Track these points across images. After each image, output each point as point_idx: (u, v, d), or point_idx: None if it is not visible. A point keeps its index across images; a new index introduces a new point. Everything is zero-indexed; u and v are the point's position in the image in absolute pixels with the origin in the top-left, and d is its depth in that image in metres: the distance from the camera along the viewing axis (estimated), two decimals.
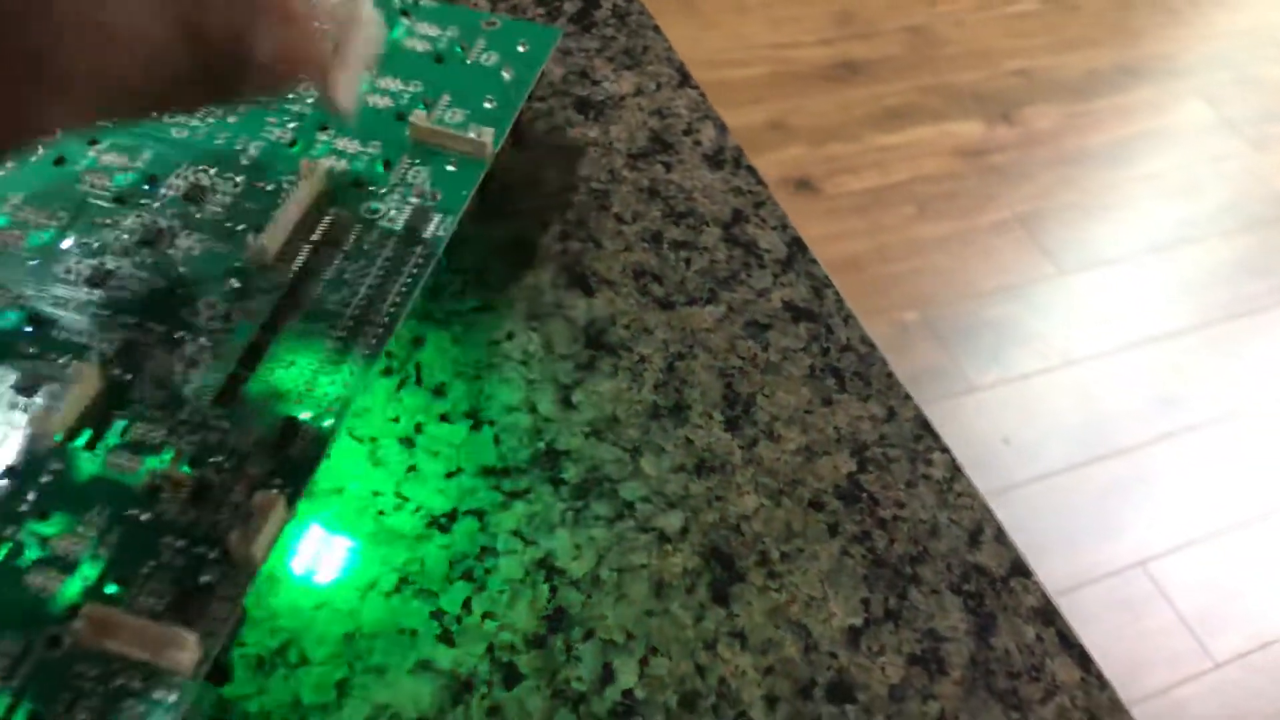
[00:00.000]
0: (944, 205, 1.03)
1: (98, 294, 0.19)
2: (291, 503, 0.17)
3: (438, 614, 0.19)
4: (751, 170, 0.28)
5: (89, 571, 0.16)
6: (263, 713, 0.18)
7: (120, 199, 0.21)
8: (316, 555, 0.20)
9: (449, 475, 0.21)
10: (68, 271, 0.20)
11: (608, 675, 0.19)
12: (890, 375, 0.24)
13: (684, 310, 0.24)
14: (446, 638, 0.19)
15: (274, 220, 0.20)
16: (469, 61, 0.24)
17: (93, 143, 0.22)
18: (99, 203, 0.21)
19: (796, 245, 0.26)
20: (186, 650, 0.15)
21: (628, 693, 0.19)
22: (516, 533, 0.20)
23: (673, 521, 0.21)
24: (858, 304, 0.25)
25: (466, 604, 0.19)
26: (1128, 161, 1.12)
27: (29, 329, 0.19)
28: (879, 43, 1.19)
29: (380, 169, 0.22)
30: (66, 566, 0.16)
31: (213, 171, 0.22)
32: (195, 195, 0.21)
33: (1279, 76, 1.24)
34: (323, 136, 0.23)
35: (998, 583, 0.21)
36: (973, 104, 1.14)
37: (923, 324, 0.93)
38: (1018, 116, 1.14)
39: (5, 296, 0.19)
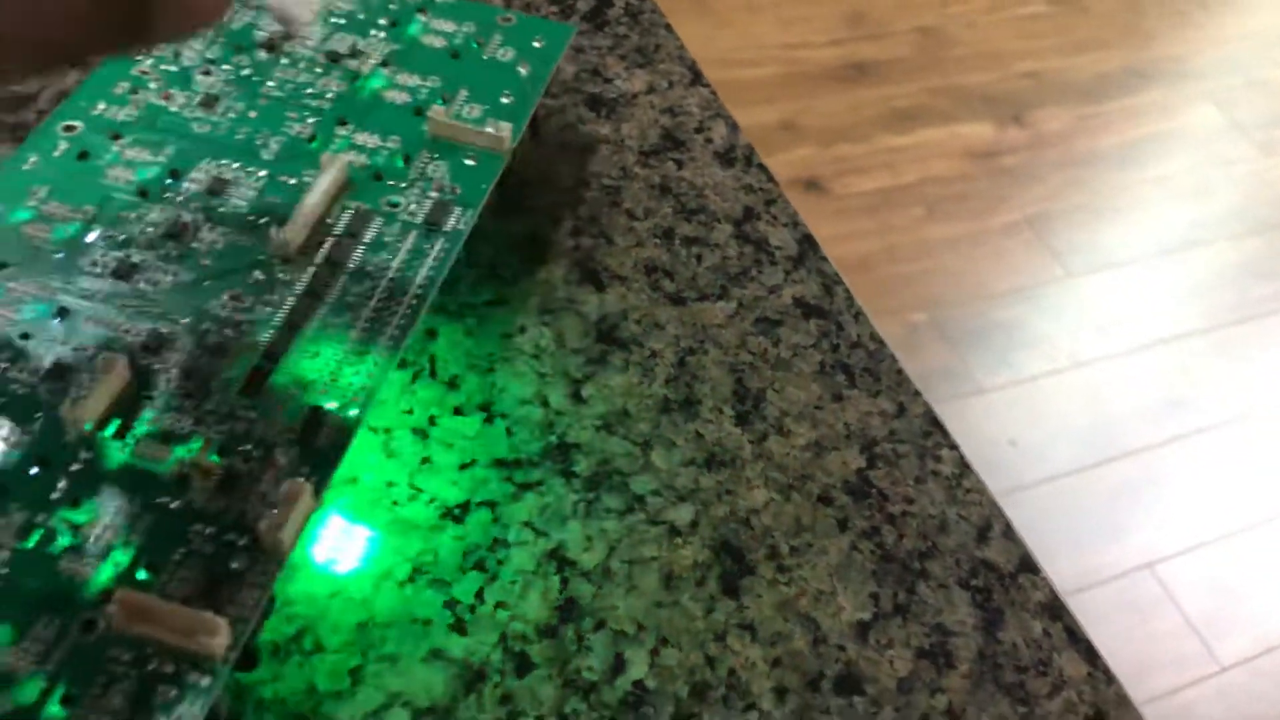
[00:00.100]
0: (953, 207, 1.03)
1: (124, 286, 0.20)
2: (318, 491, 0.17)
3: (451, 603, 0.20)
4: (763, 168, 0.28)
5: (120, 558, 0.16)
6: (278, 699, 0.18)
7: (144, 193, 0.21)
8: (331, 544, 0.20)
9: (462, 467, 0.21)
10: (94, 264, 0.20)
11: (619, 665, 0.19)
12: (900, 372, 0.24)
13: (695, 306, 0.25)
14: (459, 627, 0.19)
15: (296, 213, 0.21)
16: (485, 57, 0.25)
17: (116, 137, 0.22)
18: (123, 196, 0.21)
19: (807, 243, 0.26)
20: (218, 635, 0.15)
21: (638, 683, 0.19)
22: (528, 524, 0.21)
23: (683, 515, 0.21)
24: (867, 304, 0.26)
25: (479, 594, 0.20)
26: (1137, 164, 1.12)
27: (57, 321, 0.19)
28: (889, 44, 1.19)
29: (400, 163, 0.22)
30: (98, 553, 0.16)
31: (234, 166, 0.22)
32: (218, 189, 0.21)
33: None
34: (342, 131, 0.23)
35: (1006, 578, 0.21)
36: (982, 106, 1.14)
37: (931, 325, 0.93)
38: (1028, 118, 1.14)
39: (33, 289, 0.20)
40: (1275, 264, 1.04)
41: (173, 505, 0.17)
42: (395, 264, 0.21)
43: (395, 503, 0.21)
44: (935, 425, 0.23)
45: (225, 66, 0.24)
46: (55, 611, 0.16)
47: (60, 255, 0.20)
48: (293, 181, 0.22)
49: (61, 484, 0.17)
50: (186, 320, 0.19)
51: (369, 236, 0.21)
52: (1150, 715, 0.72)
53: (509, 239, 0.25)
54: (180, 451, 0.18)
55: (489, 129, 0.23)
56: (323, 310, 0.20)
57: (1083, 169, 1.10)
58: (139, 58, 0.24)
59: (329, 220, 0.21)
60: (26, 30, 0.14)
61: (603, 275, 0.25)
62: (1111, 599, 0.79)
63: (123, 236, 0.21)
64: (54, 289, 0.20)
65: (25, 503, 0.17)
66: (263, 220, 0.21)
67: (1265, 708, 0.76)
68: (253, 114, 0.23)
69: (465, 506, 0.21)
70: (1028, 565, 0.22)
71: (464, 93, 0.24)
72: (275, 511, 0.17)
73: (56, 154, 0.22)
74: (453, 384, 0.22)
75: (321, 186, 0.21)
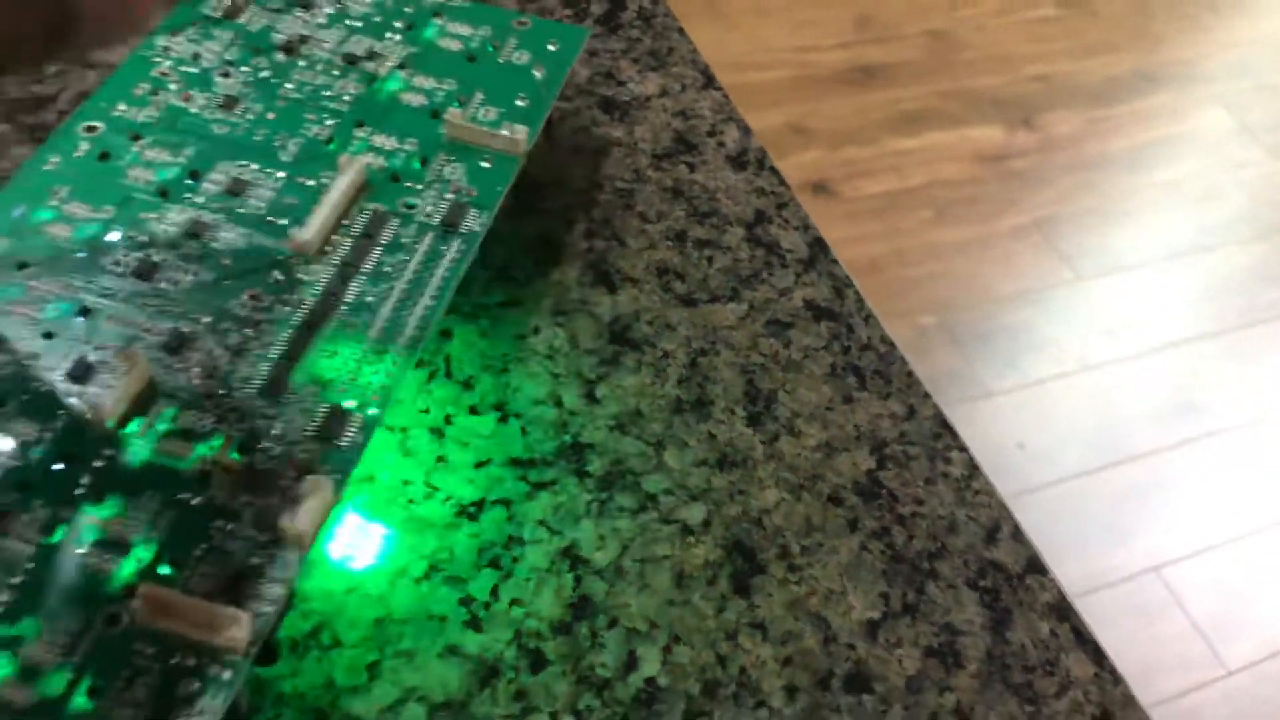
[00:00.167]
0: (962, 210, 1.03)
1: (145, 285, 0.20)
2: (338, 488, 0.17)
3: (466, 600, 0.20)
4: (774, 172, 0.28)
5: (143, 553, 0.17)
6: (296, 693, 0.18)
7: (164, 193, 0.22)
8: (348, 541, 0.20)
9: (477, 466, 0.22)
10: (115, 264, 0.20)
11: (631, 662, 0.20)
12: (910, 374, 0.24)
13: (706, 308, 0.25)
14: (474, 623, 0.20)
15: (314, 214, 0.21)
16: (501, 60, 0.25)
17: (136, 138, 0.23)
18: (143, 197, 0.22)
19: (818, 246, 0.27)
20: (240, 629, 0.16)
21: (650, 680, 0.19)
22: (543, 522, 0.21)
23: (695, 514, 0.22)
24: (875, 307, 0.26)
25: (494, 591, 0.20)
26: (1146, 168, 1.12)
27: (79, 319, 0.19)
28: (898, 47, 1.19)
29: (417, 165, 0.23)
30: (121, 548, 0.17)
31: (253, 167, 0.22)
32: (237, 190, 0.22)
33: None
34: (359, 133, 0.23)
35: (1014, 579, 0.22)
36: (992, 109, 1.14)
37: (940, 328, 0.93)
38: (1037, 121, 1.14)
39: (56, 288, 0.20)
40: None
41: (194, 501, 0.17)
42: (412, 265, 0.21)
43: (411, 501, 0.21)
44: (945, 427, 0.24)
45: (244, 68, 0.24)
46: (80, 606, 0.16)
47: (82, 255, 0.21)
48: (311, 183, 0.22)
49: (85, 480, 0.17)
50: (207, 319, 0.20)
51: (386, 238, 0.21)
52: (1156, 718, 0.72)
53: (523, 241, 0.25)
54: (201, 449, 0.18)
55: (505, 132, 0.23)
56: (341, 310, 0.20)
57: (1092, 172, 1.10)
58: (157, 60, 0.24)
59: (346, 222, 0.21)
60: None
61: (615, 277, 0.25)
62: (1118, 602, 0.79)
63: (143, 236, 0.21)
64: (76, 288, 0.20)
65: (49, 499, 0.17)
66: (282, 221, 0.21)
67: (1271, 711, 0.76)
68: (271, 115, 0.23)
69: (480, 505, 0.21)
70: (1036, 566, 0.22)
71: (480, 95, 0.24)
72: (296, 508, 0.17)
73: (77, 154, 0.22)
74: (468, 384, 0.23)
75: (339, 188, 0.21)
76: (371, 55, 0.25)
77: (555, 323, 0.24)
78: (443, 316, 0.23)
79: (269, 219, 0.21)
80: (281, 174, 0.22)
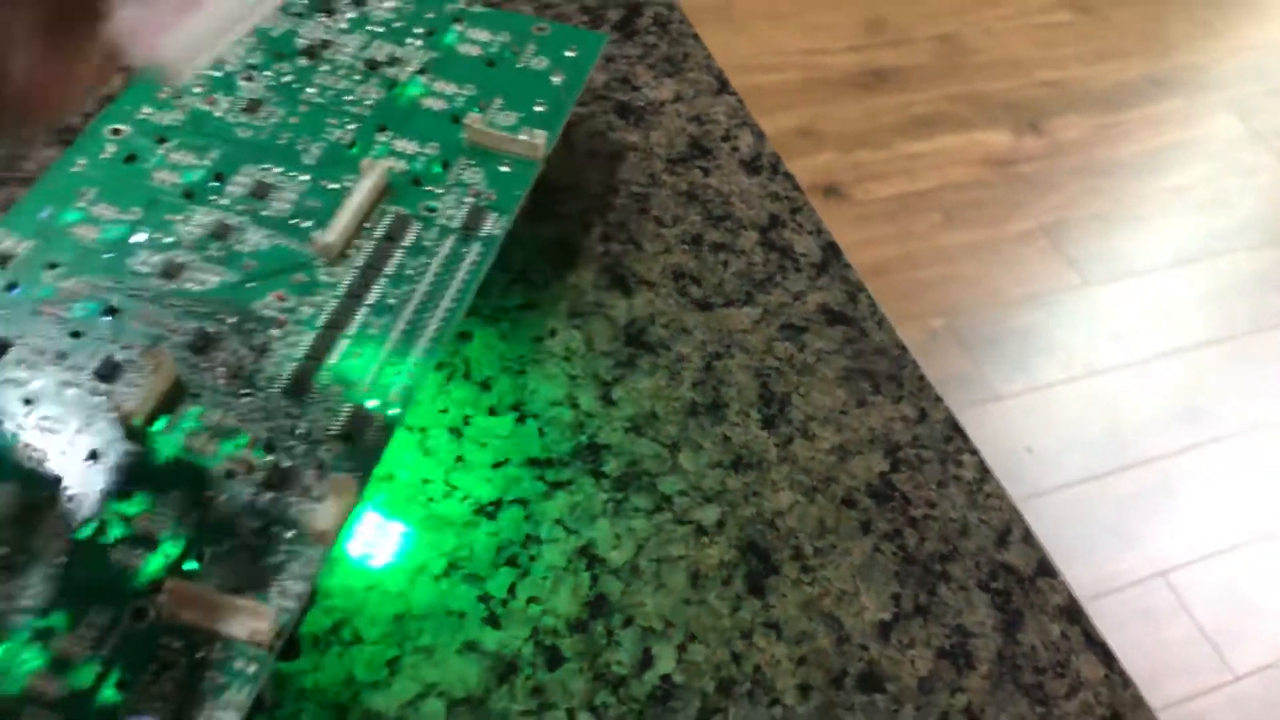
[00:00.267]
0: (971, 213, 1.04)
1: (171, 285, 0.20)
2: (361, 486, 0.18)
3: (484, 598, 0.20)
4: (788, 176, 0.28)
5: (170, 549, 0.17)
6: (318, 688, 0.19)
7: (189, 195, 0.22)
8: (368, 539, 0.21)
9: (495, 465, 0.22)
10: (141, 264, 0.21)
11: (647, 660, 0.20)
12: (922, 378, 0.25)
13: (721, 311, 0.25)
14: (493, 620, 0.20)
15: (337, 217, 0.21)
16: (520, 66, 0.25)
17: (161, 141, 0.23)
18: (169, 199, 0.22)
19: (831, 250, 0.27)
20: (265, 624, 0.16)
21: (666, 677, 0.20)
22: (559, 522, 0.21)
23: (710, 515, 0.22)
24: (884, 310, 0.26)
25: (512, 589, 0.20)
26: (1156, 173, 1.12)
27: (106, 318, 0.20)
28: (909, 50, 1.19)
29: (438, 169, 0.23)
30: (148, 544, 0.17)
31: (277, 170, 0.23)
32: (261, 192, 0.22)
33: None
34: (381, 138, 0.23)
35: (1025, 581, 0.22)
36: (1001, 113, 1.14)
37: (948, 331, 0.93)
38: (1046, 126, 1.14)
39: (83, 288, 0.20)
40: None
41: (221, 498, 0.18)
42: (433, 268, 0.21)
43: (430, 499, 0.21)
44: (956, 431, 0.24)
45: (267, 72, 0.25)
46: (108, 600, 0.17)
47: (109, 255, 0.21)
48: (333, 186, 0.22)
49: (112, 477, 0.18)
50: (232, 319, 0.20)
51: (408, 240, 0.22)
52: None
53: (540, 244, 0.26)
54: (227, 447, 0.18)
55: (524, 136, 0.23)
56: (364, 311, 0.20)
57: (1101, 177, 1.10)
58: None
59: (368, 225, 0.22)
60: None
61: (631, 280, 0.25)
62: (1125, 606, 0.79)
63: (169, 238, 0.21)
64: (103, 288, 0.20)
65: (78, 495, 0.18)
66: (306, 224, 0.22)
67: (1278, 717, 0.76)
68: (294, 119, 0.24)
69: (498, 504, 0.21)
70: (1046, 569, 0.22)
71: (499, 100, 0.24)
72: (320, 505, 0.17)
73: (104, 156, 0.23)
74: (486, 385, 0.23)
75: (362, 191, 0.22)
76: (393, 60, 0.25)
77: (572, 325, 0.24)
78: (462, 319, 0.24)
79: (292, 221, 0.22)
80: (305, 177, 0.22)
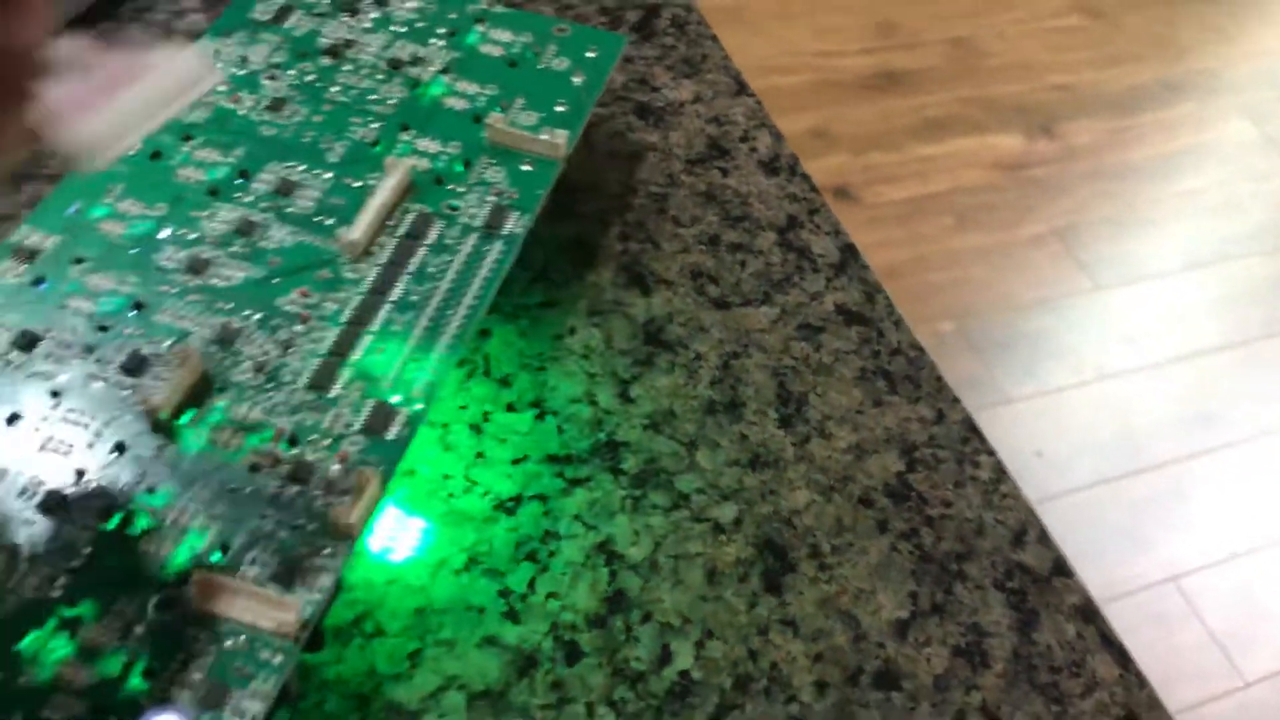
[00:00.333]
0: (982, 217, 1.03)
1: (196, 281, 0.21)
2: (385, 480, 0.18)
3: (504, 592, 0.20)
4: (806, 178, 0.29)
5: (196, 541, 0.17)
6: (340, 679, 0.19)
7: (214, 192, 0.22)
8: (390, 534, 0.21)
9: (515, 462, 0.22)
10: (167, 260, 0.21)
11: (665, 656, 0.20)
12: (939, 379, 0.25)
13: (739, 311, 0.25)
14: (512, 615, 0.20)
15: (361, 214, 0.21)
16: (541, 66, 0.26)
17: (187, 138, 0.23)
18: (194, 195, 0.22)
19: (849, 251, 0.27)
20: (291, 615, 0.16)
21: (684, 673, 0.20)
22: (578, 518, 0.21)
23: (727, 513, 0.22)
24: None
25: (531, 584, 0.20)
26: (1168, 177, 1.12)
27: (133, 313, 0.20)
28: (921, 53, 1.19)
29: (460, 168, 0.23)
30: (175, 536, 0.17)
31: (301, 168, 0.23)
32: (285, 190, 0.22)
33: None
34: (404, 137, 0.24)
35: (1040, 581, 0.22)
36: (1013, 116, 1.14)
37: (959, 334, 0.93)
38: (1058, 130, 1.14)
39: (110, 283, 0.21)
40: None
41: (246, 491, 0.18)
42: (456, 265, 0.21)
43: (451, 494, 0.21)
44: (973, 432, 0.24)
45: (290, 72, 0.25)
46: (135, 591, 0.17)
47: (135, 251, 0.21)
48: (357, 184, 0.23)
49: (140, 470, 0.18)
50: (257, 315, 0.20)
51: (431, 238, 0.22)
52: None
53: (559, 243, 0.26)
54: (253, 440, 0.19)
55: (545, 136, 0.23)
56: (387, 308, 0.21)
57: (1113, 181, 1.10)
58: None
59: (391, 222, 0.22)
60: None
61: (649, 279, 0.26)
62: (1136, 611, 0.79)
63: (194, 234, 0.21)
64: (130, 283, 0.21)
65: (105, 488, 0.18)
66: (329, 221, 0.22)
67: None
68: (318, 118, 0.24)
69: (518, 499, 0.21)
70: (1061, 569, 0.22)
71: (521, 100, 0.25)
72: (345, 498, 0.18)
73: (130, 153, 0.23)
74: (505, 382, 0.23)
75: (386, 189, 0.22)
76: (415, 60, 0.25)
77: (591, 324, 0.24)
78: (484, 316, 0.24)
79: (317, 218, 0.22)
80: (328, 175, 0.23)
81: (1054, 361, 0.93)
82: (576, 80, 0.25)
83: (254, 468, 0.18)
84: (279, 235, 0.22)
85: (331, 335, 0.20)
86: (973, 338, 0.93)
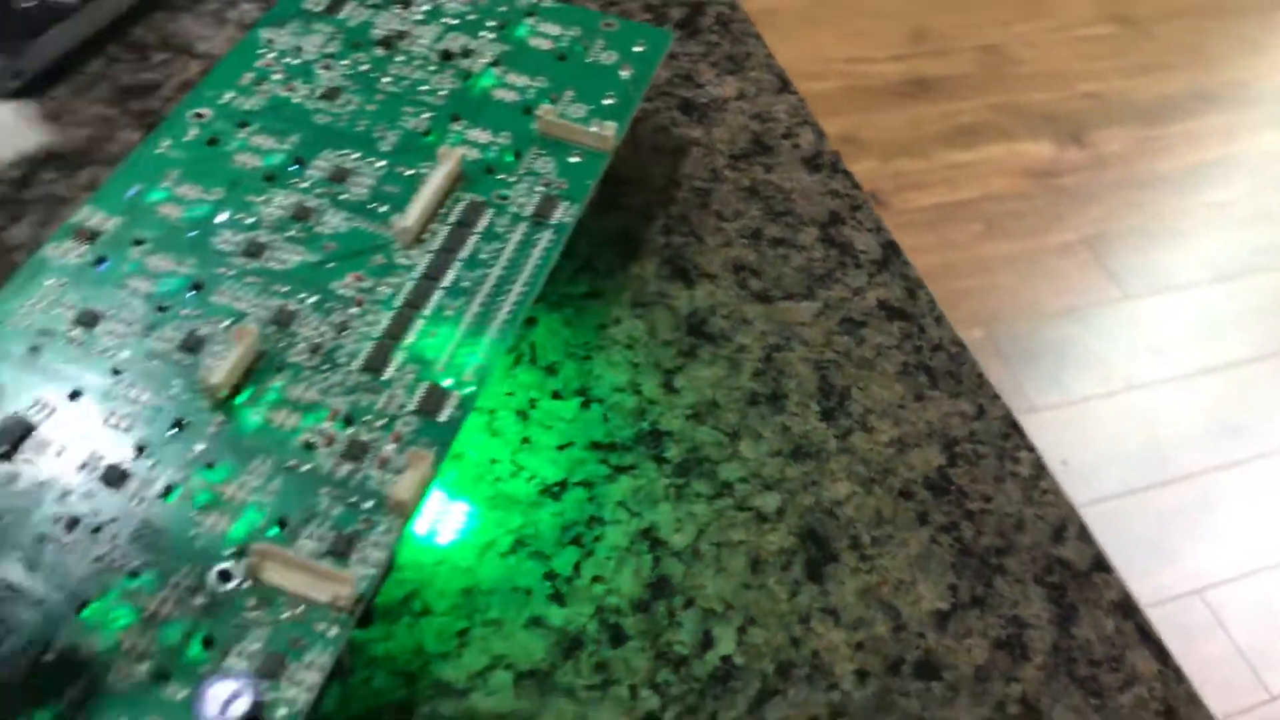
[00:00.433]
0: (1011, 224, 1.03)
1: (254, 264, 0.21)
2: (438, 460, 0.18)
3: (550, 575, 0.21)
4: (848, 175, 0.29)
5: (253, 516, 0.18)
6: (389, 656, 0.19)
7: (270, 177, 0.23)
8: (438, 516, 0.21)
9: (560, 448, 0.22)
10: (224, 243, 0.21)
11: (707, 641, 0.20)
12: (980, 376, 0.25)
13: (781, 304, 0.26)
14: (558, 597, 0.20)
15: (414, 202, 0.22)
16: (589, 60, 0.26)
17: (243, 125, 0.24)
18: (250, 180, 0.23)
19: (891, 248, 0.27)
20: (347, 589, 0.16)
21: (726, 658, 0.20)
22: (622, 504, 0.22)
23: (769, 502, 0.22)
24: None
25: (576, 567, 0.21)
26: (1198, 187, 1.11)
27: (191, 293, 0.20)
28: (952, 61, 1.19)
29: (510, 158, 0.24)
30: (232, 511, 0.18)
31: (355, 156, 0.23)
32: (339, 177, 0.23)
33: None
34: (455, 127, 0.24)
35: (1080, 576, 0.22)
36: (1043, 125, 1.14)
37: (987, 341, 0.93)
38: (1088, 139, 1.13)
39: (169, 264, 0.21)
40: None
41: (302, 469, 0.18)
42: (506, 253, 0.22)
43: (498, 479, 0.22)
44: (1014, 428, 0.24)
45: (344, 62, 0.25)
46: (194, 562, 0.17)
47: (193, 233, 0.22)
48: (409, 173, 0.23)
49: (198, 446, 0.18)
50: (312, 298, 0.21)
51: (481, 226, 0.22)
52: None
53: (604, 235, 0.26)
54: (308, 420, 0.19)
55: (594, 128, 0.24)
56: (439, 294, 0.21)
57: (1142, 191, 1.09)
58: (261, 51, 0.25)
59: (443, 210, 0.22)
60: None
61: (692, 272, 0.26)
62: (1161, 623, 0.79)
63: (251, 218, 0.22)
64: (188, 264, 0.21)
65: (164, 463, 0.18)
66: (383, 208, 0.22)
67: None
68: (371, 107, 0.24)
69: (563, 485, 0.22)
70: (1101, 565, 0.22)
71: (570, 93, 0.25)
72: (399, 477, 0.18)
73: (187, 139, 0.23)
74: (551, 370, 0.23)
75: (438, 177, 0.22)
76: (466, 52, 0.26)
77: (635, 314, 0.25)
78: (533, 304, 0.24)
79: (370, 205, 0.22)
80: (381, 163, 0.23)
81: (1082, 370, 0.93)
82: (624, 74, 0.26)
83: (309, 446, 0.19)
84: (334, 221, 0.22)
85: (385, 319, 0.20)
86: (1000, 345, 0.93)
